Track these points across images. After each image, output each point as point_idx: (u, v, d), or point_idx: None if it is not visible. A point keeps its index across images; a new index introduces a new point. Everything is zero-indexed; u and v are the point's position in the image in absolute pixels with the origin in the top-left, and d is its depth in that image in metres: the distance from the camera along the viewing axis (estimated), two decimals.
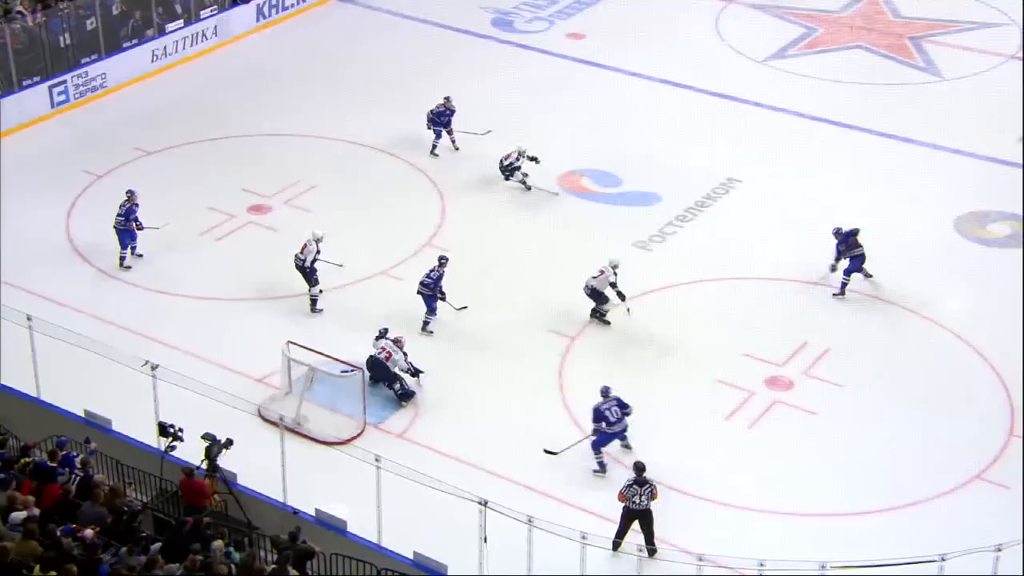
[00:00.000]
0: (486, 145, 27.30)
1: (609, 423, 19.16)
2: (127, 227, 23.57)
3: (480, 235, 24.88)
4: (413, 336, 21.81)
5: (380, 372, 20.68)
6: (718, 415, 20.46)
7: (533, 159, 25.88)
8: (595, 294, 22.24)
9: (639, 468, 17.80)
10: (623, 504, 17.77)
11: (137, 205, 23.69)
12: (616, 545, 17.79)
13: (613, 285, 22.13)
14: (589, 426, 20.00)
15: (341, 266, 22.97)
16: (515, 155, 25.95)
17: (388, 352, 20.60)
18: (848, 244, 23.00)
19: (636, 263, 23.97)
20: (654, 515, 17.75)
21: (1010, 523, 17.86)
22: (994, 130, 28.40)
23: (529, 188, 26.04)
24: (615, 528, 17.94)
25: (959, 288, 23.47)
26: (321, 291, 22.72)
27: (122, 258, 23.77)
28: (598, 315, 22.34)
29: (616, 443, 19.48)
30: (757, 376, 21.26)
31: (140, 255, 24.00)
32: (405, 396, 20.61)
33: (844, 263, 23.12)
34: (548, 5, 34.68)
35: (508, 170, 26.04)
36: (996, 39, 32.69)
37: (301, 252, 22.58)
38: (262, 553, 16.68)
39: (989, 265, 24.20)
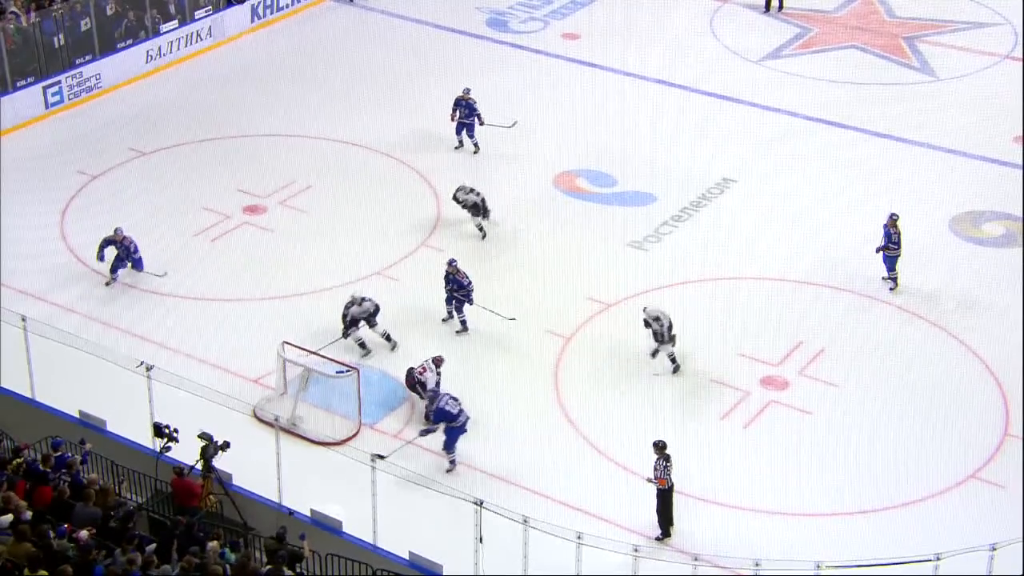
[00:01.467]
0: (476, 154, 27.44)
1: (453, 417, 18.97)
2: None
3: (475, 235, 24.85)
4: (413, 335, 21.91)
5: (411, 381, 20.41)
6: (713, 415, 20.47)
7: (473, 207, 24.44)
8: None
9: (663, 446, 17.88)
10: (661, 488, 17.81)
11: (121, 242, 22.98)
12: (668, 533, 17.94)
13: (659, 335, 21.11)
14: (584, 426, 20.05)
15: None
16: (471, 198, 24.46)
17: (424, 367, 20.27)
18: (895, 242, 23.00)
19: (631, 263, 24.02)
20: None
21: (1005, 522, 17.90)
22: (988, 130, 28.44)
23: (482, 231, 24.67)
24: (611, 527, 17.97)
25: (954, 287, 23.48)
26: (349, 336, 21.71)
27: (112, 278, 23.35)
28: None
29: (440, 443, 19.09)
30: (752, 376, 21.26)
31: (164, 275, 23.37)
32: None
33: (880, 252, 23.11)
34: (543, 5, 34.68)
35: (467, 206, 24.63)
36: (990, 39, 32.73)
37: (359, 307, 21.49)
38: (257, 554, 16.69)
39: (984, 265, 24.21)
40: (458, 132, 27.56)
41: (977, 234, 25.14)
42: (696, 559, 16.21)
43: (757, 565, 15.98)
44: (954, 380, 21.26)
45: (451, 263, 22.11)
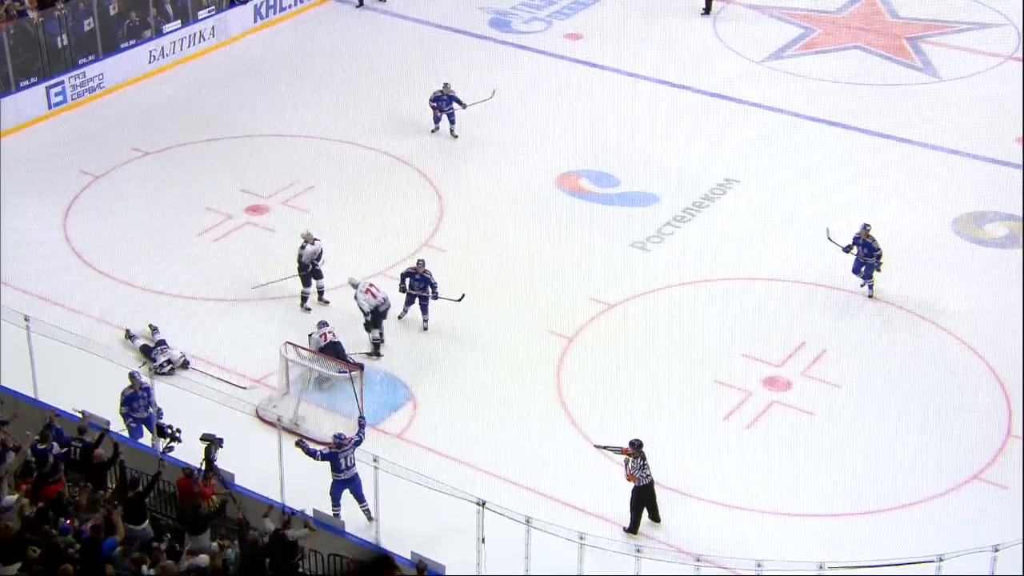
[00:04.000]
0: (478, 154, 27.54)
1: (337, 470, 17.81)
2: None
3: (478, 235, 24.88)
4: (415, 335, 21.94)
5: (336, 352, 20.76)
6: (716, 415, 20.47)
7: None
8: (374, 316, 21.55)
9: (639, 444, 17.86)
10: (634, 485, 17.84)
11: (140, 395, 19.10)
12: (635, 530, 17.97)
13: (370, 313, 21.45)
14: (587, 426, 20.05)
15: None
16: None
17: (325, 334, 20.83)
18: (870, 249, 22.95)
19: (634, 264, 24.02)
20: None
21: (1008, 523, 17.88)
22: (991, 130, 28.42)
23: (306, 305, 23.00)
24: (613, 528, 17.99)
25: (956, 288, 23.47)
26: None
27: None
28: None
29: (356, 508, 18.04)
30: (755, 376, 21.26)
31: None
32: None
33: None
34: (546, 5, 34.68)
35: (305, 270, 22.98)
36: (993, 40, 32.71)
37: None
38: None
39: (986, 265, 24.21)
40: (436, 121, 27.98)
41: (979, 235, 25.14)
42: (698, 559, 16.19)
43: (759, 566, 15.97)
44: (956, 381, 21.26)
45: (420, 264, 22.24)
